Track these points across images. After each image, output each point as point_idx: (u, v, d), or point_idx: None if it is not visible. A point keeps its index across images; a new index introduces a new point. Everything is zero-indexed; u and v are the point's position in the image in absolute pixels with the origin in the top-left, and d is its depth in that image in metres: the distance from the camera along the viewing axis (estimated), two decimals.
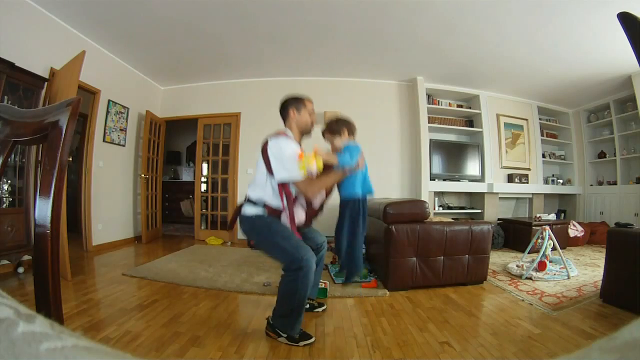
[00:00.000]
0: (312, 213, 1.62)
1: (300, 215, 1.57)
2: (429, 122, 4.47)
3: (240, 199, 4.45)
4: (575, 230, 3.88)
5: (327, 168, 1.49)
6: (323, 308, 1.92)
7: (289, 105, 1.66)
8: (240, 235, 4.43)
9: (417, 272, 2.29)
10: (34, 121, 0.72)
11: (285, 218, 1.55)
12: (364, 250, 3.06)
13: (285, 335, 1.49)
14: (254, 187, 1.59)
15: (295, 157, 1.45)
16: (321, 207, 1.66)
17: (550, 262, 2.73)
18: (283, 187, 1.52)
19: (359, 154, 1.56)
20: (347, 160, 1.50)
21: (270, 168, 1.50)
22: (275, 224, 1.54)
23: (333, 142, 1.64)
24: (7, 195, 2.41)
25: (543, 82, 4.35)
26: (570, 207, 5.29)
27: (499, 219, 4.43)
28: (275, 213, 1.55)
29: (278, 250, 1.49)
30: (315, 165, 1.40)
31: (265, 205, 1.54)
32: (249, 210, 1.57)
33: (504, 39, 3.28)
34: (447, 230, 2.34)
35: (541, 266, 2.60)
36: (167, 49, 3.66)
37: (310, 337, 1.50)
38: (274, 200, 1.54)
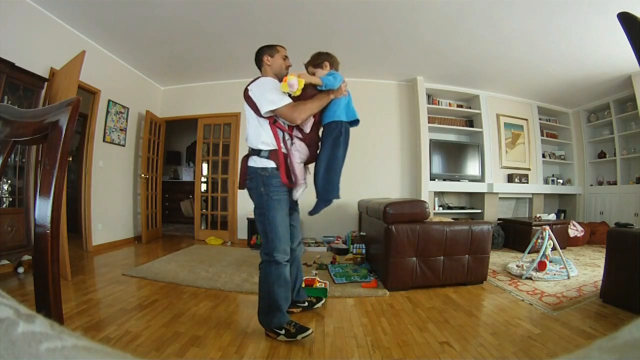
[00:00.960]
0: (310, 140, 1.61)
1: (302, 148, 1.59)
2: (429, 122, 4.47)
3: (240, 198, 4.46)
4: (575, 230, 3.88)
5: (310, 93, 1.53)
6: (322, 302, 1.92)
7: (263, 53, 1.69)
8: (240, 235, 4.43)
9: (417, 272, 2.29)
10: (34, 121, 0.72)
11: (294, 159, 1.56)
12: (363, 249, 3.08)
13: (283, 333, 1.49)
14: (251, 137, 1.59)
15: (275, 87, 1.49)
16: (317, 134, 1.66)
17: (550, 262, 2.73)
18: (276, 124, 1.54)
19: (342, 80, 1.58)
20: (330, 81, 1.50)
21: (257, 110, 1.52)
22: (277, 197, 1.54)
23: (315, 75, 1.63)
24: (7, 195, 2.41)
25: (543, 82, 4.35)
26: (570, 207, 5.29)
27: (499, 219, 4.43)
28: (282, 158, 1.54)
29: (263, 231, 1.55)
30: (297, 81, 1.42)
31: (270, 154, 1.54)
32: (255, 161, 1.56)
33: (504, 39, 3.28)
34: (447, 230, 2.34)
35: (541, 266, 2.60)
36: (167, 49, 3.66)
37: (307, 329, 1.51)
38: (274, 139, 1.55)
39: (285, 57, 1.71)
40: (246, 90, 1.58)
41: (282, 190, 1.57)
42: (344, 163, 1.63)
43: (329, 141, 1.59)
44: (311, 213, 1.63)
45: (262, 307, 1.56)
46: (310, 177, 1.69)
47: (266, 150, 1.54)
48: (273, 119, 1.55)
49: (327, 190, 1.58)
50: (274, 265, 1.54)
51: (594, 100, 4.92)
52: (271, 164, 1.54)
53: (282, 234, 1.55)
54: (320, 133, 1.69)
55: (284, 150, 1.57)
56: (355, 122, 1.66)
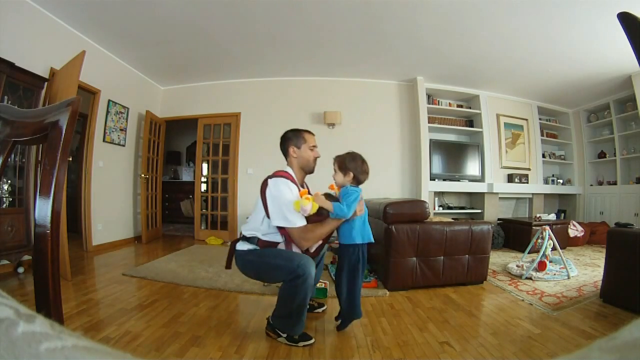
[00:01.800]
0: (312, 255, 1.58)
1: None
2: (429, 122, 4.47)
3: (240, 199, 4.46)
4: (575, 230, 3.88)
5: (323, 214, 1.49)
6: (323, 308, 1.92)
7: (288, 142, 1.60)
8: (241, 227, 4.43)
9: (417, 272, 2.29)
10: (34, 121, 0.72)
11: (282, 247, 1.54)
12: None
13: (284, 335, 1.49)
14: (248, 225, 1.57)
15: (291, 201, 1.42)
16: (318, 251, 1.63)
17: (550, 262, 2.73)
18: (281, 229, 1.49)
19: (358, 200, 1.51)
20: (342, 211, 1.45)
21: (267, 210, 1.47)
22: (265, 250, 1.51)
23: (335, 177, 1.59)
24: (7, 195, 2.41)
25: (543, 82, 4.35)
26: (570, 207, 5.29)
27: (499, 219, 4.43)
28: (268, 245, 1.52)
29: (274, 269, 1.45)
30: (311, 206, 1.38)
31: (258, 241, 1.52)
32: (242, 246, 1.54)
33: (504, 39, 3.28)
34: (447, 230, 2.34)
35: (541, 266, 2.60)
36: (167, 49, 3.66)
37: (310, 338, 1.49)
38: (268, 237, 1.52)
39: (314, 147, 1.62)
40: (265, 184, 1.51)
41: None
42: None
43: (346, 266, 1.56)
44: (339, 329, 1.62)
45: (282, 312, 1.48)
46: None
47: (255, 238, 1.52)
48: None
49: (350, 312, 1.59)
50: (304, 276, 1.38)
51: (594, 100, 4.93)
52: (256, 246, 1.51)
53: (289, 252, 1.49)
54: (322, 249, 1.68)
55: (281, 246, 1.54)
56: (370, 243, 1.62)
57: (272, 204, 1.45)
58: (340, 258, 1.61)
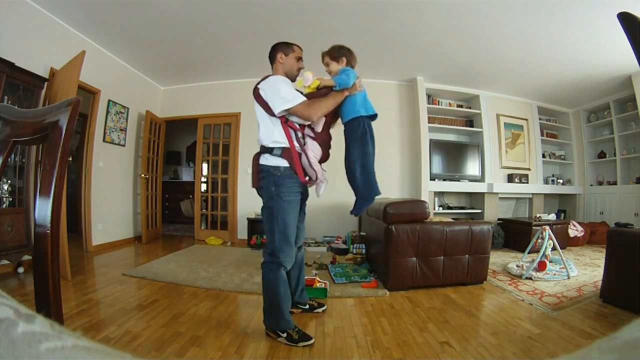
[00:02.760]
0: (322, 139, 1.59)
1: (315, 148, 1.57)
2: (429, 122, 4.47)
3: (240, 199, 4.45)
4: (575, 230, 3.88)
5: (324, 91, 1.52)
6: (323, 308, 1.92)
7: (277, 49, 1.65)
8: (240, 235, 4.43)
9: (417, 272, 2.29)
10: (34, 121, 0.72)
11: (311, 157, 1.54)
12: (363, 249, 3.08)
13: (284, 335, 1.49)
14: (262, 136, 1.57)
15: (288, 83, 1.47)
16: (328, 134, 1.64)
17: (550, 262, 2.73)
18: (288, 123, 1.52)
19: (356, 75, 1.55)
20: (343, 79, 1.49)
21: (268, 108, 1.49)
22: (288, 198, 1.52)
23: (330, 67, 1.62)
24: (7, 195, 2.41)
25: (543, 82, 4.35)
26: (570, 207, 5.29)
27: (499, 219, 4.43)
28: (294, 156, 1.51)
29: (270, 231, 1.53)
30: (312, 78, 1.42)
31: (283, 152, 1.51)
32: (267, 159, 1.53)
33: (504, 39, 3.28)
34: (447, 230, 2.34)
35: (541, 266, 2.60)
36: (167, 49, 3.66)
37: (310, 339, 1.50)
38: (286, 138, 1.53)
39: (299, 59, 1.68)
40: (256, 89, 1.55)
41: (295, 191, 1.55)
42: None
43: (356, 140, 1.55)
44: (355, 213, 1.59)
45: (266, 308, 1.55)
46: (327, 174, 1.67)
47: (279, 148, 1.52)
48: (285, 117, 1.52)
49: (368, 188, 1.56)
50: (276, 266, 1.52)
51: (594, 100, 4.92)
52: (284, 162, 1.51)
53: (290, 237, 1.53)
54: (329, 132, 1.67)
55: (297, 149, 1.54)
56: (373, 117, 1.62)
57: (269, 94, 1.49)
58: (347, 135, 1.59)
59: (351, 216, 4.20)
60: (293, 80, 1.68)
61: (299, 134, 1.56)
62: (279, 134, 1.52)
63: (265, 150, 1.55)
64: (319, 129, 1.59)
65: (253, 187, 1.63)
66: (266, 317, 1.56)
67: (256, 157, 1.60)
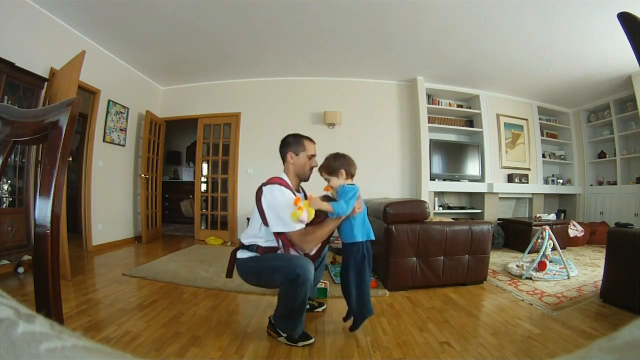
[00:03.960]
0: (312, 258, 1.57)
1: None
2: (429, 122, 4.47)
3: (240, 199, 4.46)
4: (575, 230, 3.88)
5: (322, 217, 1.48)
6: (323, 308, 1.92)
7: (288, 147, 1.59)
8: (240, 235, 4.43)
9: (417, 272, 2.29)
10: (34, 121, 0.72)
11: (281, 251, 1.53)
12: None
13: (284, 335, 1.49)
14: (247, 234, 1.56)
15: (289, 206, 1.39)
16: (319, 253, 1.62)
17: (550, 262, 2.73)
18: (280, 235, 1.48)
19: (356, 197, 1.50)
20: (342, 208, 1.45)
21: (264, 218, 1.46)
22: (265, 255, 1.50)
23: (330, 182, 1.57)
24: (7, 195, 2.41)
25: (543, 82, 4.35)
26: (570, 207, 5.29)
27: (499, 219, 4.43)
28: (268, 251, 1.51)
29: (274, 271, 1.44)
30: (307, 215, 1.36)
31: (257, 248, 1.51)
32: (242, 254, 1.54)
33: (504, 39, 3.28)
34: (447, 230, 2.34)
35: (541, 266, 2.60)
36: (167, 49, 3.66)
37: (310, 338, 1.49)
38: (268, 243, 1.51)
39: (312, 157, 1.61)
40: (260, 191, 1.49)
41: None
42: None
43: (353, 265, 1.55)
44: (352, 330, 1.60)
45: (282, 312, 1.48)
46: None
47: (255, 245, 1.51)
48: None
49: (362, 310, 1.57)
50: (303, 278, 1.37)
51: (594, 100, 4.92)
52: (257, 253, 1.50)
53: (287, 255, 1.49)
54: (322, 251, 1.67)
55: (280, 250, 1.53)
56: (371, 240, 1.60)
57: (269, 211, 1.45)
58: (345, 257, 1.60)
59: None
60: (306, 179, 1.62)
61: (286, 247, 1.52)
62: (264, 240, 1.51)
63: (242, 247, 1.55)
64: (312, 253, 1.56)
65: (227, 277, 1.62)
66: (280, 320, 1.50)
67: (233, 252, 1.59)
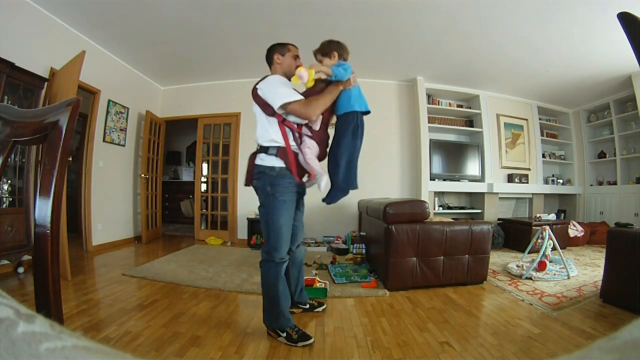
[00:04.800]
0: (319, 137, 1.59)
1: (313, 147, 1.57)
2: (429, 122, 4.47)
3: (240, 199, 4.46)
4: (575, 230, 3.88)
5: (319, 88, 1.53)
6: (323, 308, 1.92)
7: (274, 51, 1.66)
8: (240, 235, 4.43)
9: (417, 272, 2.29)
10: (34, 121, 0.72)
11: (309, 154, 1.54)
12: (363, 249, 3.08)
13: (284, 335, 1.49)
14: (259, 135, 1.58)
15: (285, 82, 1.48)
16: (326, 132, 1.65)
17: (550, 262, 2.73)
18: (285, 123, 1.52)
19: (351, 71, 1.56)
20: (340, 72, 1.49)
21: (266, 107, 1.50)
22: (282, 197, 1.52)
23: (322, 64, 1.60)
24: (7, 195, 2.41)
25: (543, 82, 4.35)
26: (570, 207, 5.29)
27: (499, 219, 4.43)
28: (289, 156, 1.52)
29: (266, 231, 1.55)
30: (307, 72, 1.41)
31: (278, 151, 1.52)
32: (262, 160, 1.54)
33: (504, 39, 3.28)
34: (447, 230, 2.34)
35: (541, 266, 2.60)
36: (167, 49, 3.66)
37: (309, 338, 1.50)
38: (282, 138, 1.53)
39: (296, 57, 1.69)
40: (255, 89, 1.56)
41: (290, 190, 1.55)
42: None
43: (347, 133, 1.56)
44: (328, 201, 1.61)
45: (265, 306, 1.58)
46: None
47: (274, 147, 1.52)
48: (282, 117, 1.52)
49: (347, 181, 1.57)
50: (274, 264, 1.54)
51: (594, 100, 4.92)
52: (279, 162, 1.52)
53: (284, 236, 1.55)
54: (327, 130, 1.67)
55: (293, 148, 1.55)
56: (366, 113, 1.63)
57: (267, 91, 1.50)
58: (339, 128, 1.60)
59: (351, 216, 4.23)
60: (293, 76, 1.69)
61: (296, 134, 1.56)
62: (275, 133, 1.53)
63: (261, 149, 1.56)
64: (317, 127, 1.60)
65: (246, 185, 1.65)
66: (265, 315, 1.57)
67: (252, 157, 1.62)
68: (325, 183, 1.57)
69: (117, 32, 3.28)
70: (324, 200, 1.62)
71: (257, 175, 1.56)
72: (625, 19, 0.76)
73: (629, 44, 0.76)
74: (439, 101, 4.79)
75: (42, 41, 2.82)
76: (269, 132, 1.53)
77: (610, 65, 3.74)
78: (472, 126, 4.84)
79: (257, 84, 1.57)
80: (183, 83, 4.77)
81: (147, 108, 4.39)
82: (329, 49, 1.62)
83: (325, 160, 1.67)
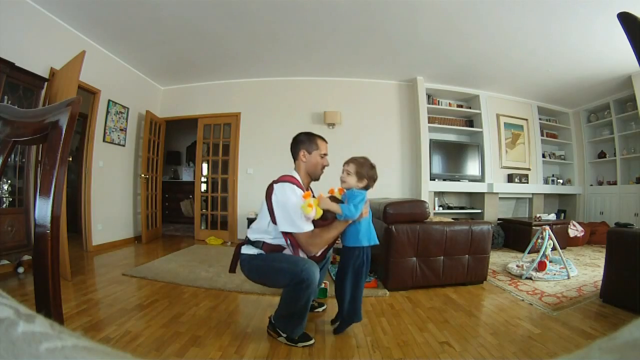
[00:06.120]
0: (316, 259, 1.55)
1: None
2: (429, 122, 4.47)
3: (240, 198, 4.46)
4: (575, 230, 3.88)
5: (329, 217, 1.48)
6: (323, 308, 1.92)
7: (300, 145, 1.58)
8: (240, 235, 4.43)
9: (417, 272, 2.29)
10: (34, 121, 0.72)
11: (288, 252, 1.52)
12: None
13: (284, 335, 1.49)
14: (254, 230, 1.55)
15: (298, 208, 1.39)
16: (323, 255, 1.61)
17: (550, 262, 2.73)
18: (287, 234, 1.46)
19: (364, 202, 1.50)
20: (351, 212, 1.44)
21: (273, 216, 1.45)
22: (271, 255, 1.49)
23: (348, 179, 1.55)
24: (7, 195, 2.41)
25: (543, 82, 4.35)
26: (570, 207, 5.29)
27: (499, 219, 4.43)
28: (274, 250, 1.51)
29: (279, 273, 1.43)
30: (315, 212, 1.38)
31: (263, 245, 1.50)
32: (247, 250, 1.52)
33: (504, 39, 3.28)
34: (447, 230, 2.34)
35: (541, 266, 2.60)
36: (167, 49, 3.66)
37: (310, 339, 1.49)
38: (275, 241, 1.50)
39: (324, 155, 1.61)
40: (270, 188, 1.48)
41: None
42: None
43: (350, 269, 1.54)
44: (336, 333, 1.59)
45: (283, 313, 1.48)
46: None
47: (260, 242, 1.50)
48: None
49: (352, 315, 1.57)
50: (308, 281, 1.37)
51: (594, 100, 4.92)
52: (262, 251, 1.49)
53: (293, 257, 1.48)
54: (327, 253, 1.66)
55: (287, 251, 1.53)
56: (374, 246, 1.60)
57: (279, 210, 1.43)
58: (344, 260, 1.59)
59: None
60: (317, 178, 1.63)
61: (295, 248, 1.51)
62: (271, 238, 1.50)
63: (247, 242, 1.54)
64: (318, 255, 1.54)
65: (230, 272, 1.59)
66: (281, 320, 1.50)
67: (238, 247, 1.57)
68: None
69: (118, 32, 3.28)
70: (334, 331, 1.60)
71: (242, 263, 1.53)
72: (625, 19, 0.76)
73: (629, 44, 0.76)
74: (439, 101, 4.79)
75: (42, 41, 2.82)
76: (266, 234, 1.50)
77: (610, 65, 3.74)
78: (472, 126, 4.84)
79: (274, 182, 1.49)
80: (183, 83, 4.77)
81: (147, 108, 4.39)
82: (364, 173, 1.54)
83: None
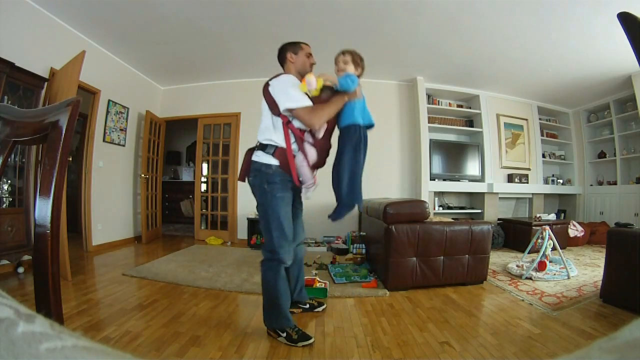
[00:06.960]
0: (321, 146, 1.57)
1: (311, 154, 1.55)
2: (429, 122, 4.47)
3: (240, 199, 4.45)
4: (575, 230, 3.88)
5: (325, 96, 1.53)
6: (323, 307, 1.92)
7: (286, 50, 1.66)
8: (240, 235, 4.43)
9: (417, 272, 2.29)
10: (34, 121, 0.72)
11: (300, 161, 1.53)
12: (363, 249, 3.08)
13: (284, 335, 1.49)
14: (261, 131, 1.58)
15: (297, 84, 1.48)
16: (329, 141, 1.62)
17: (550, 262, 2.73)
18: (289, 125, 1.51)
19: (358, 84, 1.55)
20: (347, 83, 1.49)
21: (274, 107, 1.50)
22: (280, 194, 1.52)
23: (346, 66, 1.60)
24: (7, 195, 2.41)
25: (543, 82, 4.35)
26: (570, 207, 5.29)
27: (499, 219, 4.43)
28: (286, 161, 1.51)
29: (267, 229, 1.54)
30: (315, 80, 1.44)
31: (275, 151, 1.51)
32: (260, 156, 1.54)
33: (504, 39, 3.28)
34: (447, 230, 2.34)
35: (541, 266, 2.60)
36: (167, 49, 3.66)
37: (309, 338, 1.50)
38: (284, 142, 1.52)
39: (309, 55, 1.68)
40: (266, 85, 1.55)
41: (286, 187, 1.55)
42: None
43: (349, 146, 1.55)
44: (334, 218, 1.57)
45: (265, 306, 1.57)
46: (326, 176, 1.66)
47: (272, 147, 1.52)
48: (287, 119, 1.51)
49: (351, 196, 1.55)
50: (276, 263, 1.53)
51: (594, 100, 4.92)
52: (275, 161, 1.51)
53: (287, 231, 1.54)
54: (330, 139, 1.65)
55: (293, 151, 1.54)
56: (370, 127, 1.62)
57: (277, 91, 1.49)
58: (342, 141, 1.59)
59: (351, 216, 4.22)
60: (307, 74, 1.66)
61: (298, 139, 1.54)
62: (277, 134, 1.52)
63: (259, 147, 1.56)
64: (320, 135, 1.57)
65: (239, 180, 1.65)
66: (265, 315, 1.57)
67: (249, 153, 1.61)
68: (310, 193, 1.60)
69: (117, 31, 3.28)
70: (329, 217, 1.58)
71: (253, 172, 1.55)
72: (625, 19, 0.76)
73: (629, 44, 0.76)
74: (439, 101, 4.79)
75: (42, 41, 2.82)
76: (271, 131, 1.53)
77: (610, 65, 3.74)
78: (472, 126, 4.84)
79: (269, 80, 1.56)
80: (183, 83, 4.77)
81: (147, 108, 4.39)
82: (357, 58, 1.63)
83: (325, 169, 1.67)
